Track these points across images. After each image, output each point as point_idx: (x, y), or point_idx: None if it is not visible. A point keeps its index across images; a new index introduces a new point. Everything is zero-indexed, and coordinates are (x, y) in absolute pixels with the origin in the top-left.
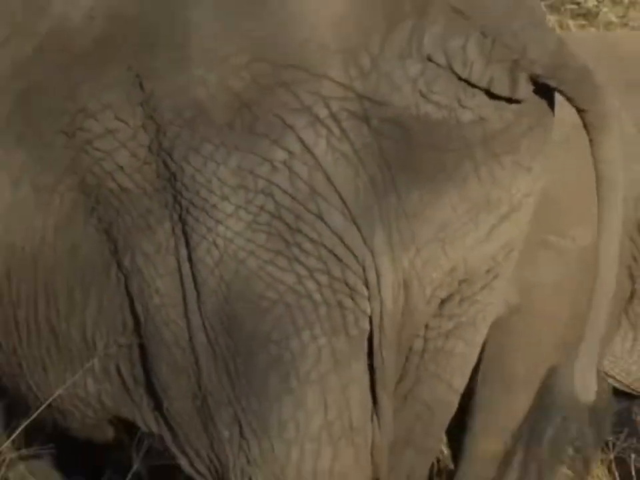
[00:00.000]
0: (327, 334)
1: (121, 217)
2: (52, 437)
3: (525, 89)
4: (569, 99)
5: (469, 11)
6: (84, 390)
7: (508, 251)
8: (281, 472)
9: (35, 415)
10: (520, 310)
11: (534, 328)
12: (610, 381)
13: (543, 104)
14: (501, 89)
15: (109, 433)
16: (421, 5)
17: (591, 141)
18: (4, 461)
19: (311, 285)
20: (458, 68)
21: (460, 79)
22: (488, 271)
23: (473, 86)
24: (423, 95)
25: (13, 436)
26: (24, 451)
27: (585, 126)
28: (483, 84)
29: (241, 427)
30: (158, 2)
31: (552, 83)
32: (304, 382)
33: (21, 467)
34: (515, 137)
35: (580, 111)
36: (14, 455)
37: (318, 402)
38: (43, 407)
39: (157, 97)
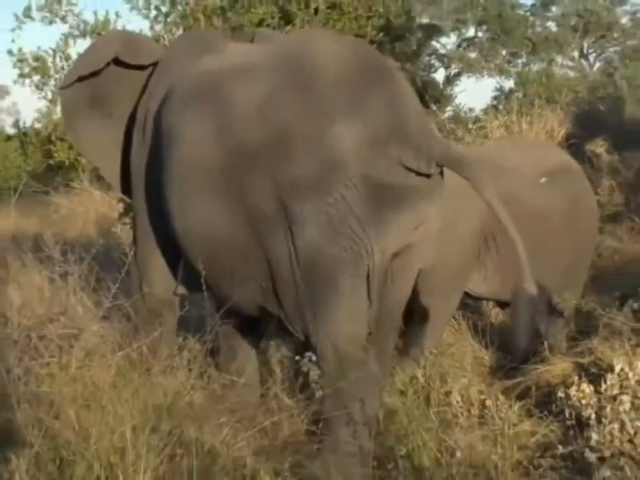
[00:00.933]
0: (353, 273)
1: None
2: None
3: (433, 169)
4: (455, 171)
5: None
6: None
7: (421, 239)
8: (333, 332)
9: (223, 310)
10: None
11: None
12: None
13: (439, 176)
14: (423, 169)
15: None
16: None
17: (474, 188)
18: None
19: (347, 253)
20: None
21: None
22: (409, 246)
23: (409, 169)
24: (387, 173)
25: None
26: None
27: (469, 182)
28: (415, 167)
29: (315, 311)
30: None
31: (445, 165)
32: (343, 293)
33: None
34: (429, 189)
35: (462, 176)
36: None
37: (348, 303)
38: (226, 306)
39: None
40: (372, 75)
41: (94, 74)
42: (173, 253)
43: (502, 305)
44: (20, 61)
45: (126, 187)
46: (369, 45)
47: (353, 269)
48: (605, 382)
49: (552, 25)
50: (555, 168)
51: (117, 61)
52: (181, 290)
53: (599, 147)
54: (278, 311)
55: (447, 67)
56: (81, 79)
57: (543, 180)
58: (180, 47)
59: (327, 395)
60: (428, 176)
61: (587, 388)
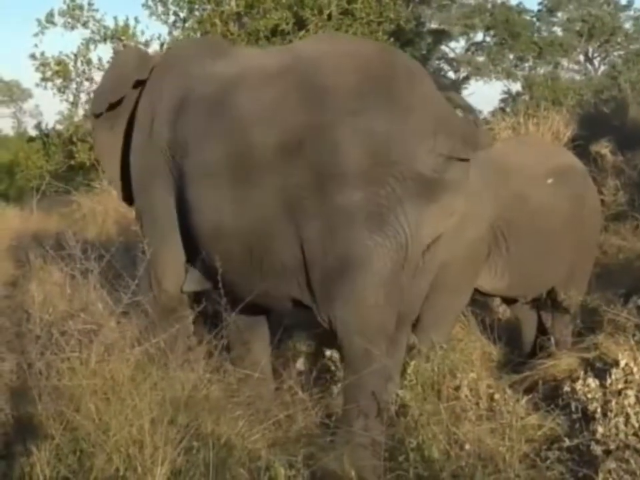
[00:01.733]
0: (393, 261)
1: None
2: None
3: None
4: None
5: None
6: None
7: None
8: (365, 322)
9: (246, 301)
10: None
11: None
12: None
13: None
14: (469, 156)
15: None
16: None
17: None
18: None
19: (390, 242)
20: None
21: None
22: (437, 239)
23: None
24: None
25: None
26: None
27: None
28: (462, 156)
29: (349, 300)
30: None
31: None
32: (383, 281)
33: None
34: (461, 182)
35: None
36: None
37: (386, 292)
38: (248, 299)
39: None
40: (406, 74)
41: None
42: (187, 250)
43: (510, 301)
44: (42, 64)
45: (126, 190)
46: (396, 48)
47: (394, 258)
48: (610, 376)
49: (558, 30)
50: (560, 168)
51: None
52: (197, 286)
53: (603, 147)
54: (310, 302)
55: (455, 71)
56: (111, 106)
57: (549, 181)
58: (181, 52)
59: (345, 386)
60: (462, 167)
61: (593, 382)
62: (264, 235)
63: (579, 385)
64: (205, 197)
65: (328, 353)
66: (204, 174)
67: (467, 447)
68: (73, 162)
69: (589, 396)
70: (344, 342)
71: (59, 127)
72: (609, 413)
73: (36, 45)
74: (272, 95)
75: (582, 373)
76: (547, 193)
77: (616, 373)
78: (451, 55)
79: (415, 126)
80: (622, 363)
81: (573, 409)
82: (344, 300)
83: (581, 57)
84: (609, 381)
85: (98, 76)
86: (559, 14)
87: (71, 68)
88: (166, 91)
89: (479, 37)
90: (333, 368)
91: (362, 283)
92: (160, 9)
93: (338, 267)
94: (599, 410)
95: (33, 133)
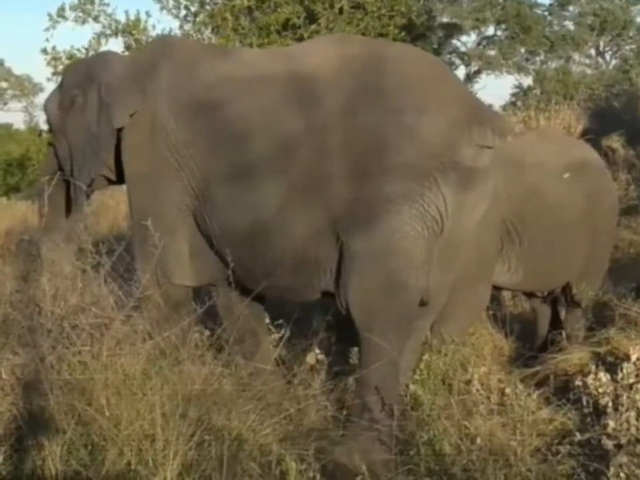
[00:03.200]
0: (428, 251)
1: None
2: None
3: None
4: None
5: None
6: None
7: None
8: (394, 310)
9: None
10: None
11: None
12: None
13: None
14: (499, 144)
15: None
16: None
17: None
18: None
19: (428, 232)
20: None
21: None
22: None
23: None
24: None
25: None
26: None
27: None
28: (492, 144)
29: (381, 287)
30: None
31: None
32: (416, 269)
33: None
34: (491, 170)
35: None
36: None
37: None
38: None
39: None
40: (438, 70)
41: None
42: (195, 244)
43: (528, 294)
44: (54, 59)
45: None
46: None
47: (429, 248)
48: (622, 371)
49: (569, 24)
50: (578, 162)
51: None
52: (197, 281)
53: (614, 142)
54: (336, 291)
55: (467, 65)
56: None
57: (566, 175)
58: (169, 51)
59: (357, 379)
60: (489, 154)
61: (604, 376)
62: (297, 229)
63: (590, 379)
64: (238, 194)
65: (339, 346)
66: (237, 172)
67: (478, 441)
68: None
69: (600, 390)
70: (366, 332)
71: None
72: (620, 407)
73: (47, 40)
74: (311, 90)
75: (593, 367)
76: (563, 187)
77: (627, 367)
78: (462, 48)
79: (453, 118)
80: (633, 357)
81: (584, 403)
82: (377, 287)
83: (593, 51)
84: (620, 375)
85: None
86: (571, 8)
87: None
88: (169, 90)
89: (490, 30)
90: (344, 361)
91: (398, 271)
92: (171, 3)
93: (377, 256)
94: (610, 404)
95: (44, 127)
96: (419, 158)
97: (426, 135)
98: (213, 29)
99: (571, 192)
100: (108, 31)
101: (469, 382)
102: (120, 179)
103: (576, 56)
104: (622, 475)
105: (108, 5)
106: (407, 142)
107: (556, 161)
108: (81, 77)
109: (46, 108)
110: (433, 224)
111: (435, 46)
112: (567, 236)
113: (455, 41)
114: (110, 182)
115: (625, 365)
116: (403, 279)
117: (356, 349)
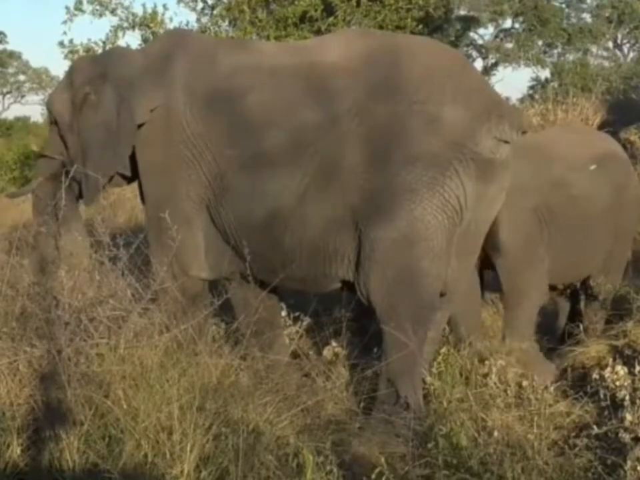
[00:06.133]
0: (447, 241)
1: None
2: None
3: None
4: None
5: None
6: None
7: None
8: (415, 302)
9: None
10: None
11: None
12: None
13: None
14: (515, 137)
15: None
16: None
17: None
18: None
19: (448, 222)
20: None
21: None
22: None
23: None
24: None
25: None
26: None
27: None
28: (509, 138)
29: (401, 277)
30: None
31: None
32: (433, 260)
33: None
34: (508, 162)
35: None
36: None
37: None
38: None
39: None
40: (460, 63)
41: None
42: (211, 237)
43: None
44: (71, 52)
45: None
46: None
47: (449, 237)
48: (639, 364)
49: (587, 16)
50: (602, 156)
51: None
52: (222, 272)
53: (632, 134)
54: (356, 280)
55: (484, 57)
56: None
57: (592, 167)
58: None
59: (378, 371)
60: (507, 147)
61: (621, 370)
62: (316, 218)
63: (607, 373)
64: (256, 184)
65: (359, 338)
66: (255, 162)
67: (496, 434)
68: None
69: (618, 383)
70: (388, 321)
71: None
72: (637, 401)
73: (65, 33)
74: (332, 81)
75: (611, 360)
76: (588, 180)
77: None
78: (480, 41)
79: (474, 109)
80: None
81: (602, 396)
82: (398, 275)
83: (610, 44)
84: (637, 369)
85: None
86: (588, 0)
87: None
88: (185, 82)
89: (508, 23)
90: (364, 353)
91: (420, 260)
92: None
93: (398, 245)
94: (627, 397)
95: None
96: (441, 148)
97: (447, 126)
98: (230, 22)
99: (596, 184)
100: (125, 24)
101: (486, 375)
102: (134, 175)
103: (594, 48)
104: (639, 468)
105: None
106: (429, 132)
107: (582, 153)
108: (91, 74)
109: (50, 105)
110: (453, 214)
111: (452, 38)
112: (592, 229)
113: (472, 34)
114: (125, 179)
115: None
116: (425, 267)
117: (376, 340)
